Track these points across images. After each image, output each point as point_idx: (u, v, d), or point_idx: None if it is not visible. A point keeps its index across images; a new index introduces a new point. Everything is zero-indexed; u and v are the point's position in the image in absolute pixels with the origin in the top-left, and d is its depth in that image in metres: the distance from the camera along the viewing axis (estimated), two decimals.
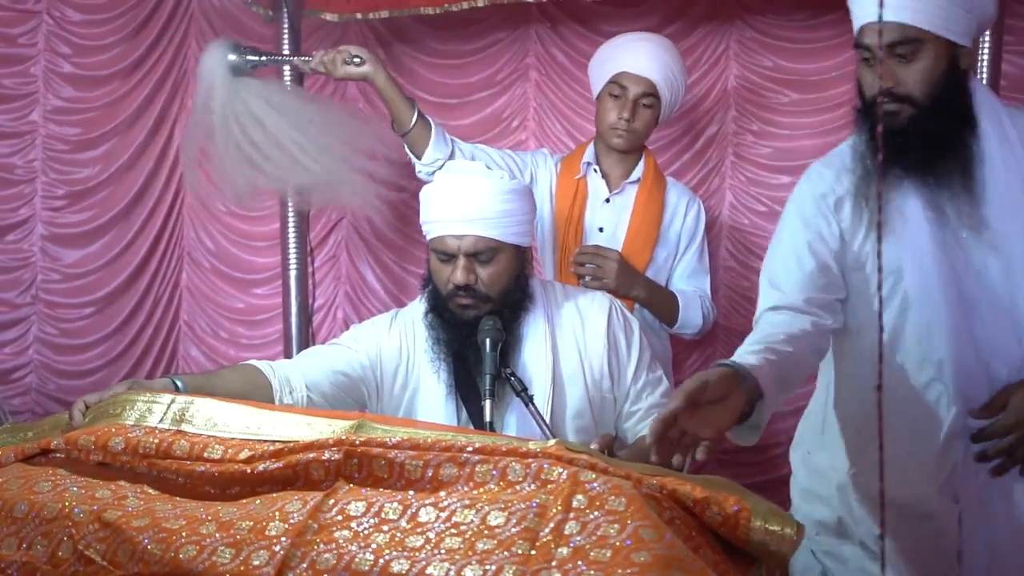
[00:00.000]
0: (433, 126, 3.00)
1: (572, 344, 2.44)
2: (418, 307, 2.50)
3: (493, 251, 2.37)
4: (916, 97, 2.00)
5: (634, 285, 2.93)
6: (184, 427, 1.76)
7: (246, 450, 1.65)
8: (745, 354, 1.87)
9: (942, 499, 2.10)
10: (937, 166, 2.03)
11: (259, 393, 2.24)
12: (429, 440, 1.59)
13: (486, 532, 1.41)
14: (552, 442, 1.61)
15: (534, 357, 2.40)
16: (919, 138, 2.01)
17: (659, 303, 3.03)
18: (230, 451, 1.65)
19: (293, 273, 3.94)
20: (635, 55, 3.00)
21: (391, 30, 4.14)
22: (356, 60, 3.00)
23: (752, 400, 1.76)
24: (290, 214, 3.90)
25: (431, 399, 2.40)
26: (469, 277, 2.35)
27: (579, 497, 1.43)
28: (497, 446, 1.57)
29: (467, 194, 2.40)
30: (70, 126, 4.50)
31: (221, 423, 1.76)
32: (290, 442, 1.66)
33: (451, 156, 3.01)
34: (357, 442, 1.59)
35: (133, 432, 1.73)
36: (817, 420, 2.34)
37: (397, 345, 2.46)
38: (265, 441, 1.69)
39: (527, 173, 3.10)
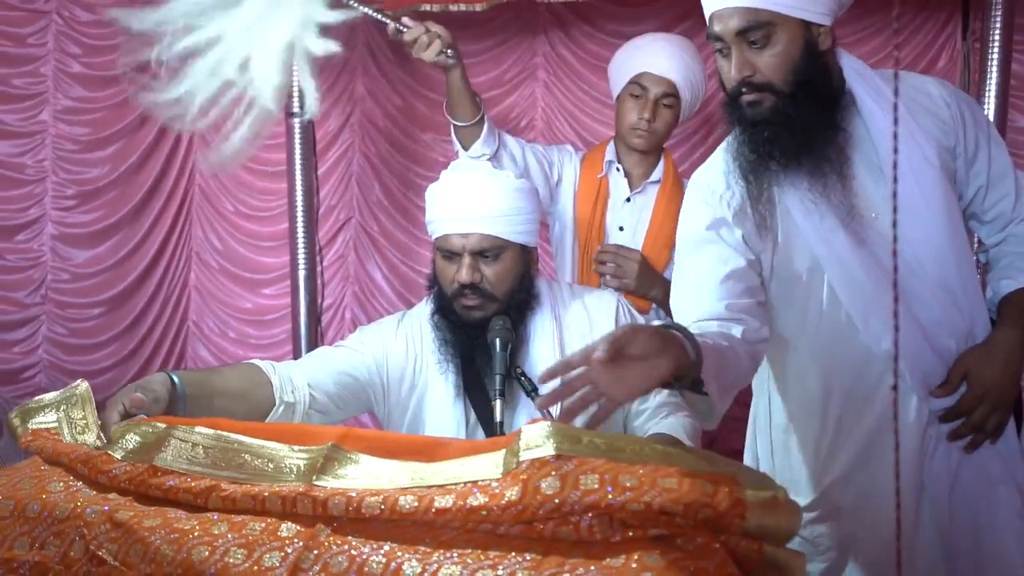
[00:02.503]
0: (486, 122, 2.98)
1: (579, 343, 2.42)
2: (424, 308, 2.50)
3: (499, 249, 2.36)
4: (776, 84, 1.89)
5: (653, 286, 2.92)
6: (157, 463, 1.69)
7: (219, 521, 1.57)
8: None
9: (910, 493, 2.01)
10: (813, 152, 1.92)
11: (259, 392, 2.22)
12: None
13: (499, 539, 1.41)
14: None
15: (542, 356, 2.39)
16: (786, 126, 1.90)
17: None
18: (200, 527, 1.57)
19: (302, 273, 3.94)
20: (655, 56, 2.99)
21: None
22: (448, 52, 2.87)
23: (688, 371, 1.59)
24: (299, 214, 3.90)
25: (439, 401, 2.38)
26: (474, 275, 2.34)
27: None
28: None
29: (473, 192, 2.39)
30: (80, 126, 4.52)
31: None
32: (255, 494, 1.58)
33: (497, 151, 2.99)
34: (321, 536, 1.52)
35: (115, 470, 1.68)
36: (764, 443, 2.25)
37: (404, 347, 2.45)
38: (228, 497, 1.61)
39: (555, 171, 3.09)
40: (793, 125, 1.90)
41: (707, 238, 2.02)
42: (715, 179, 2.06)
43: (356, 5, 2.70)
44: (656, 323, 1.64)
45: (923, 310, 1.96)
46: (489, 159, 2.94)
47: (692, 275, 2.02)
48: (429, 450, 1.58)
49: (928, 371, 1.98)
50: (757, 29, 1.87)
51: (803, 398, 2.13)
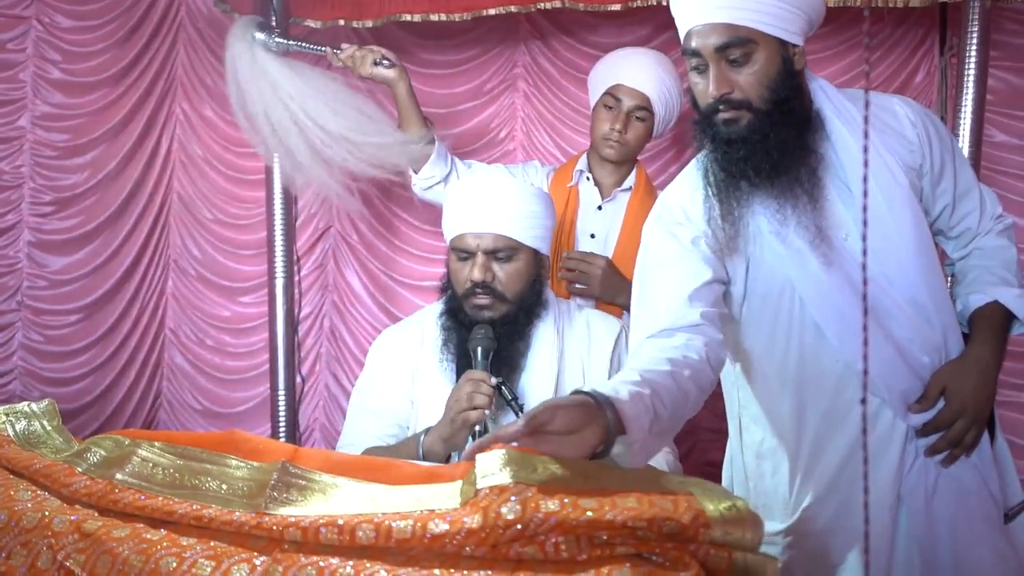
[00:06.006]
0: (436, 144, 3.03)
1: (577, 357, 2.45)
2: (433, 309, 2.55)
3: (512, 250, 2.41)
4: (754, 102, 1.89)
5: (619, 293, 2.93)
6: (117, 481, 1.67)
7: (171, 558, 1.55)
8: (618, 383, 1.67)
9: (887, 508, 2.01)
10: (787, 172, 1.92)
11: None
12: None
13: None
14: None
15: (540, 363, 2.41)
16: (761, 144, 1.89)
17: None
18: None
19: (280, 282, 3.92)
20: (631, 68, 3.02)
21: (379, 39, 4.13)
22: (384, 63, 3.04)
23: (611, 436, 1.56)
24: (277, 222, 3.89)
25: (436, 399, 2.39)
26: (486, 274, 2.38)
27: None
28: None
29: (488, 194, 2.45)
30: (58, 132, 4.50)
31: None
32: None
33: (448, 175, 3.04)
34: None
35: (76, 484, 1.67)
36: (739, 469, 2.25)
37: (403, 357, 2.51)
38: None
39: None
40: (768, 144, 1.90)
41: (678, 253, 2.02)
42: (685, 197, 2.06)
43: (288, 43, 3.01)
44: (576, 392, 1.60)
45: (895, 327, 1.97)
46: (439, 182, 3.00)
47: (662, 287, 1.99)
48: (382, 469, 1.58)
49: (905, 388, 1.99)
50: (737, 46, 1.87)
51: (776, 419, 2.13)
